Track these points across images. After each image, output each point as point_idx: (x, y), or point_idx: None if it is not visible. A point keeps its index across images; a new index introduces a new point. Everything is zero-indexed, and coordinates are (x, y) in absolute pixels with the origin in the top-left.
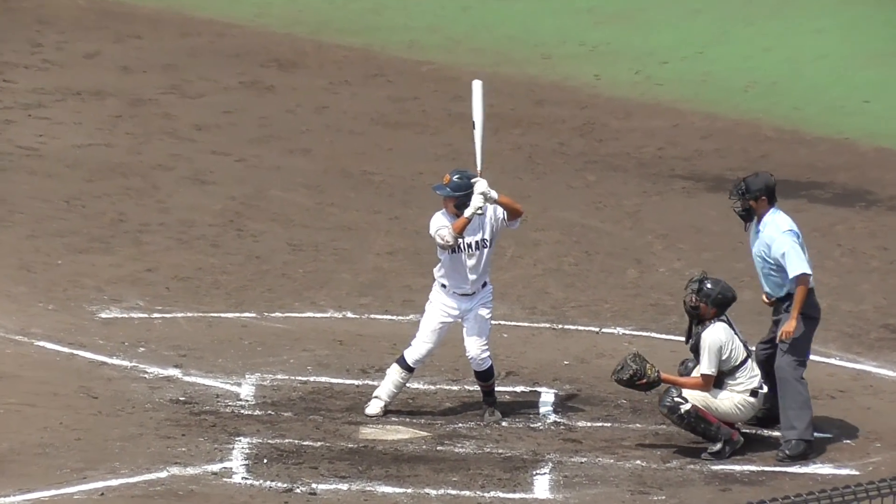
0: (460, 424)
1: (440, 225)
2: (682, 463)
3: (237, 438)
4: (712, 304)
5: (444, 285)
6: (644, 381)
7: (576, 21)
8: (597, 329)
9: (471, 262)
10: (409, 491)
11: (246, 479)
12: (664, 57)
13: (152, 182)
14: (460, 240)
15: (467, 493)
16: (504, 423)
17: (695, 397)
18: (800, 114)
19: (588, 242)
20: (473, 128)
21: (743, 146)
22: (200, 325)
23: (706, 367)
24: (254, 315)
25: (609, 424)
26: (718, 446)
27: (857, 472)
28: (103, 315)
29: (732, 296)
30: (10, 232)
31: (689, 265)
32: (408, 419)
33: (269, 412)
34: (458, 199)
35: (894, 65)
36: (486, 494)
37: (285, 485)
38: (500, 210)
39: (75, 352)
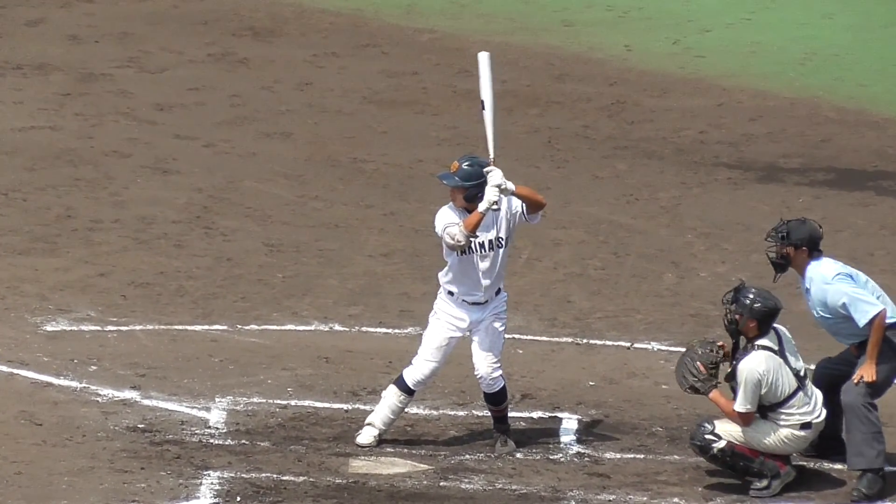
0: (467, 456)
1: (448, 222)
2: (726, 501)
3: (205, 473)
4: (751, 315)
5: (451, 293)
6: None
7: None
8: (628, 344)
9: (484, 265)
10: None
11: None
12: (707, 24)
13: (105, 171)
14: (473, 239)
15: None
16: (519, 455)
17: (729, 432)
18: (866, 91)
19: (617, 242)
20: (483, 108)
21: (799, 129)
22: (162, 340)
23: (741, 403)
24: (225, 328)
25: (642, 456)
26: (764, 482)
27: None
28: (48, 328)
29: (775, 305)
30: None
31: (735, 269)
32: (406, 450)
33: (243, 442)
34: (469, 190)
35: None
36: None
37: None
38: (516, 202)
39: (15, 371)
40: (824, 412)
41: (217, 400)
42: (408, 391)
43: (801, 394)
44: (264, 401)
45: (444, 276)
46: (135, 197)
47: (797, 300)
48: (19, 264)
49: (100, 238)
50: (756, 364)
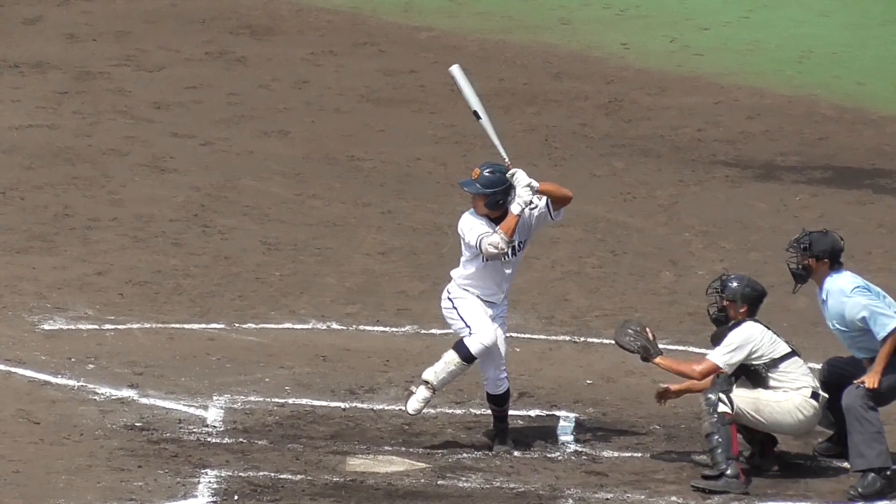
0: (465, 454)
1: (481, 232)
2: (723, 499)
3: (203, 471)
4: (742, 300)
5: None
6: (642, 355)
7: None
8: None
9: (508, 270)
10: None
11: None
12: (704, 22)
13: (103, 170)
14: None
15: None
16: (517, 453)
17: (744, 400)
18: (863, 89)
19: (615, 241)
20: (478, 118)
21: (796, 127)
22: (160, 338)
23: (718, 353)
24: (222, 326)
25: (639, 454)
26: (715, 474)
27: None
28: (45, 326)
29: (762, 289)
30: None
31: (733, 267)
32: (403, 448)
33: (241, 440)
34: (489, 197)
35: None
36: None
37: None
38: (539, 201)
39: (13, 369)
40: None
41: (215, 398)
42: (469, 359)
43: (797, 358)
44: (262, 399)
45: (463, 279)
46: (132, 195)
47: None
48: (17, 263)
49: (97, 236)
50: (745, 327)
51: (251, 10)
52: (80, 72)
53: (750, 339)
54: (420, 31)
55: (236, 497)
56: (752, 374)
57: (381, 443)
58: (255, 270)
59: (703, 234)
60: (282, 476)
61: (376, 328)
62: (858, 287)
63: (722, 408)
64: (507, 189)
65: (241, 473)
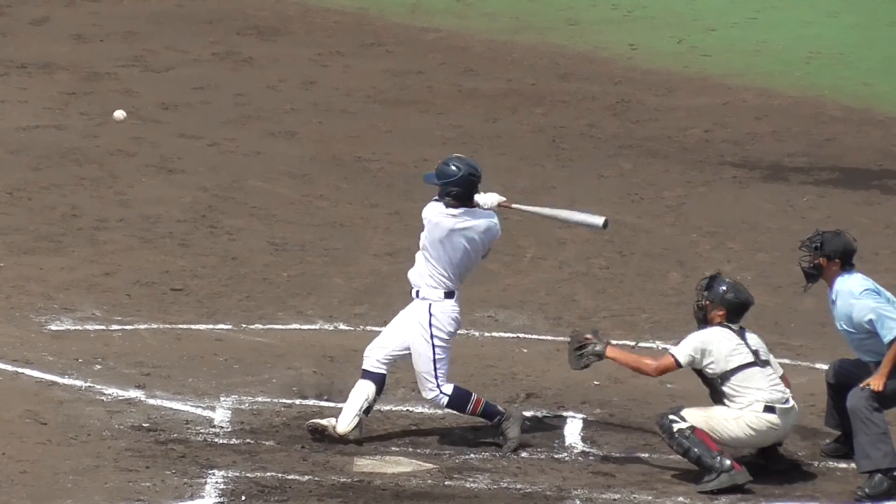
0: (472, 455)
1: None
2: (731, 500)
3: (210, 472)
4: (720, 303)
5: (451, 293)
6: (582, 350)
7: None
8: (633, 343)
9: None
10: None
11: None
12: (711, 23)
13: (110, 170)
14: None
15: None
16: (524, 454)
17: (696, 419)
18: (871, 90)
19: (622, 241)
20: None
21: (804, 128)
22: (167, 339)
23: (676, 349)
24: (230, 327)
25: (646, 455)
26: (713, 476)
27: None
28: (53, 327)
29: (746, 298)
30: None
31: (740, 268)
32: (410, 449)
33: (248, 441)
34: (442, 188)
35: None
36: None
37: None
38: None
39: (20, 370)
40: (793, 403)
41: (222, 399)
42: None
43: (756, 369)
44: (269, 400)
45: (444, 279)
46: (140, 196)
47: (801, 299)
48: (24, 263)
49: (105, 237)
50: (707, 332)
51: (258, 10)
52: (88, 72)
53: (707, 344)
54: (427, 31)
55: (244, 498)
56: (709, 383)
57: (388, 443)
58: (263, 271)
59: (710, 234)
60: (289, 477)
61: (383, 329)
62: (868, 290)
63: (677, 426)
64: (464, 184)
65: (248, 474)
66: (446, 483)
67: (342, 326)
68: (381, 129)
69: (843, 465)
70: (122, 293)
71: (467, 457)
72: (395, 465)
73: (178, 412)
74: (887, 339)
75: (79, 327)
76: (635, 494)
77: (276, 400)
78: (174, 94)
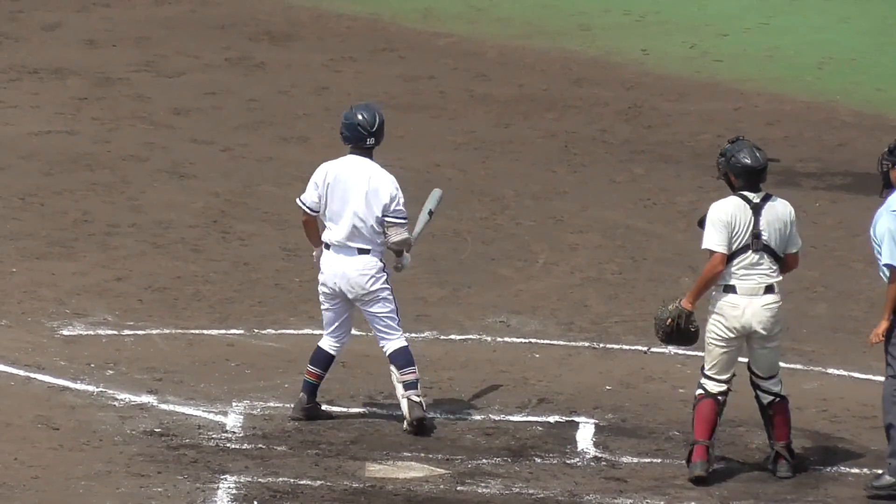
0: (484, 460)
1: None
2: None
3: (222, 477)
4: (725, 165)
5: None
6: (671, 321)
7: None
8: (644, 348)
9: None
10: None
11: None
12: (723, 28)
13: (122, 176)
14: None
15: None
16: (536, 459)
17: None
18: (883, 95)
19: (634, 247)
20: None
21: (816, 133)
22: (179, 344)
23: (706, 240)
24: (242, 332)
25: (659, 460)
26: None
27: None
28: (65, 332)
29: (749, 163)
30: None
31: None
32: (423, 454)
33: (260, 446)
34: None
35: None
36: None
37: None
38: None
39: (32, 375)
40: (768, 295)
41: (234, 404)
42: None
43: (750, 252)
44: (281, 405)
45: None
46: (152, 201)
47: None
48: (36, 269)
49: (117, 242)
50: (722, 203)
51: (270, 16)
52: (100, 78)
53: (726, 214)
54: (439, 36)
55: (256, 503)
56: None
57: (400, 448)
58: (275, 276)
59: None
60: (301, 482)
61: None
62: None
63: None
64: (349, 128)
65: (260, 479)
66: (458, 488)
67: (354, 332)
68: (392, 134)
69: (855, 469)
70: (133, 298)
71: (479, 462)
72: (407, 470)
73: (190, 417)
74: (882, 261)
75: (91, 332)
76: (648, 500)
77: (287, 405)
78: (186, 100)
